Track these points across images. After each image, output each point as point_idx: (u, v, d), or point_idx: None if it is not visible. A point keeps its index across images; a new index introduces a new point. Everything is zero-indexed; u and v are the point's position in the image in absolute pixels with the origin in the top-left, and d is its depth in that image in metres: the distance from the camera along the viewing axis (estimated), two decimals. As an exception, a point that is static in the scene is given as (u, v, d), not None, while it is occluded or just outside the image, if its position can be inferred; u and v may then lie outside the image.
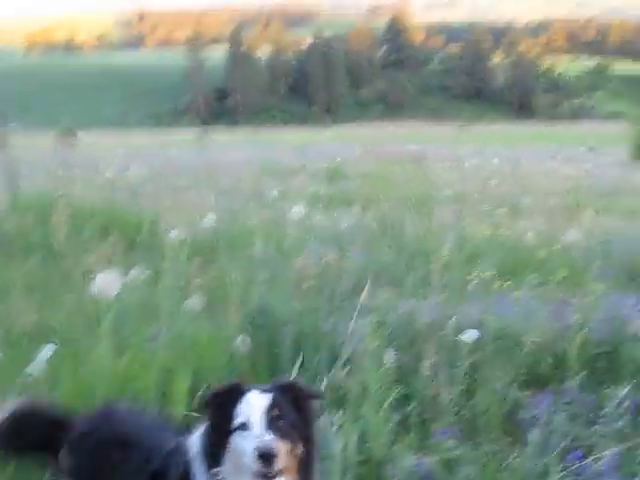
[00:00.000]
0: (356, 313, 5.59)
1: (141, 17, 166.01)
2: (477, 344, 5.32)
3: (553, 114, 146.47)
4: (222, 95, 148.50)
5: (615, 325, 5.94)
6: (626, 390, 4.77)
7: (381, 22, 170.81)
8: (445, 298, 6.23)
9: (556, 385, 5.12)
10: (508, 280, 7.04)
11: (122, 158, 22.38)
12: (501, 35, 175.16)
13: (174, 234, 7.70)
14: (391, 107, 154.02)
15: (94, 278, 5.68)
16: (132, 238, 8.86)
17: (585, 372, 5.29)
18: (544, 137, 51.81)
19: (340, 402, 4.79)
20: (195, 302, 6.20)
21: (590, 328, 5.83)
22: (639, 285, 7.58)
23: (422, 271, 7.27)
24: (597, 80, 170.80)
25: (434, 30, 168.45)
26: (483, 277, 6.85)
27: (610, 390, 4.84)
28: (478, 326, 5.59)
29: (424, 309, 6.01)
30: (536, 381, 5.37)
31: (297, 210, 9.55)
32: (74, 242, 7.63)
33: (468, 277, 6.91)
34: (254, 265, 7.52)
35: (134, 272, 6.62)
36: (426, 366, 5.00)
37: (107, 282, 5.59)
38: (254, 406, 2.77)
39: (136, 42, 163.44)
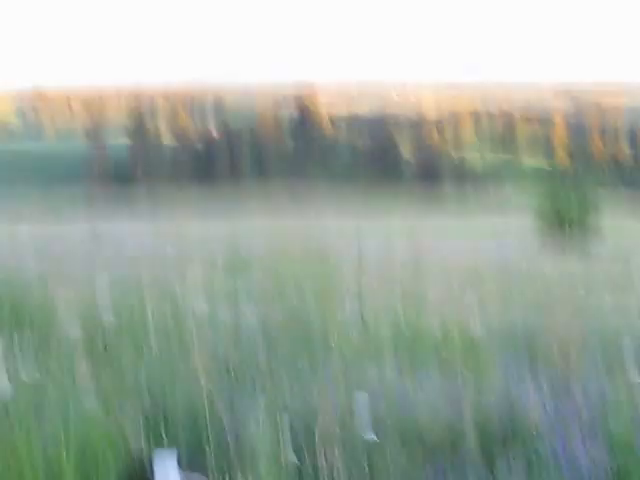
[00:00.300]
0: (255, 410, 5.51)
1: (41, 99, 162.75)
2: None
3: (462, 207, 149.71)
4: (123, 183, 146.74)
5: (510, 405, 6.06)
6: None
7: (289, 111, 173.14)
8: (346, 390, 6.20)
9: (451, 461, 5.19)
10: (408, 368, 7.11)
11: (12, 250, 21.61)
12: (411, 127, 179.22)
13: (67, 330, 7.46)
14: (298, 199, 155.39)
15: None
16: (21, 334, 8.50)
17: (479, 448, 5.36)
18: (452, 230, 52.90)
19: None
20: (88, 401, 5.98)
21: (486, 408, 5.93)
22: (536, 368, 7.75)
23: (324, 364, 7.23)
24: (506, 174, 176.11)
25: (343, 121, 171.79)
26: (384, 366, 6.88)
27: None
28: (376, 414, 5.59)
29: (325, 403, 5.95)
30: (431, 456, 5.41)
31: (198, 304, 9.43)
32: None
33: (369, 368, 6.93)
34: (152, 361, 7.34)
35: (22, 371, 6.36)
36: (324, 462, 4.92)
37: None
38: None
39: (35, 126, 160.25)
